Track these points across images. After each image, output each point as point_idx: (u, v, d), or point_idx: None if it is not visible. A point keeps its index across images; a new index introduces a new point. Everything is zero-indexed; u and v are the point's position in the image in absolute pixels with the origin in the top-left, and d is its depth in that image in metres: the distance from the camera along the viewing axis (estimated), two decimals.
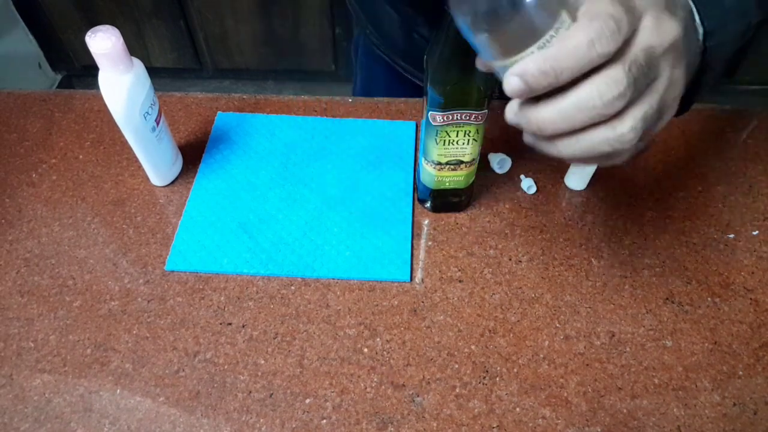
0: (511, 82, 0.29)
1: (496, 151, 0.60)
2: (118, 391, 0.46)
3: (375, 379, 0.46)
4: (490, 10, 0.29)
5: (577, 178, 0.57)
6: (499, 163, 0.59)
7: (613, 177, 0.59)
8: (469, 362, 0.47)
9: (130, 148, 0.55)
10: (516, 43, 0.30)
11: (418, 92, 0.58)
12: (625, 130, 0.30)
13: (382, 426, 0.44)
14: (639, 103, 0.30)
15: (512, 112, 0.32)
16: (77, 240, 0.55)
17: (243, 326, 0.49)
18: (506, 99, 0.36)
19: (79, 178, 0.60)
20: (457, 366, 0.47)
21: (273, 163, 0.61)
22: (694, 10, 0.37)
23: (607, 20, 0.28)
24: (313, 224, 0.56)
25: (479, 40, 0.31)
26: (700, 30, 0.37)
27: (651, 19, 0.31)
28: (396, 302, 0.51)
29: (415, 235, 0.55)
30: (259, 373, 0.47)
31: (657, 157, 0.61)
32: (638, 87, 0.30)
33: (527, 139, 0.34)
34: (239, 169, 0.60)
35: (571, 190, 0.58)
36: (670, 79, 0.32)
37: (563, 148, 0.32)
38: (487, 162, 0.60)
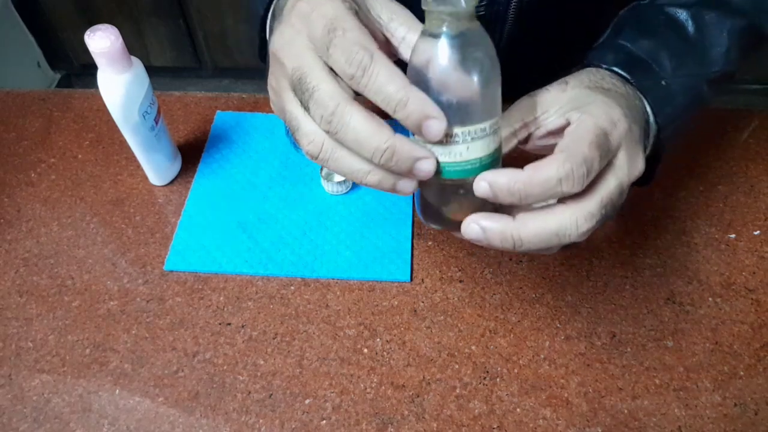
0: (480, 186, 0.31)
1: None
2: (117, 391, 0.46)
3: (375, 380, 0.46)
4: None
5: None
6: None
7: None
8: (469, 363, 0.47)
9: (129, 148, 0.54)
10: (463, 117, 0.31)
11: None
12: (583, 231, 0.32)
13: (382, 427, 0.44)
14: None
15: (483, 228, 0.33)
16: (76, 240, 0.55)
17: (242, 326, 0.49)
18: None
19: (77, 177, 0.60)
20: (457, 366, 0.47)
21: (272, 163, 0.60)
22: (649, 110, 0.41)
23: (579, 165, 0.31)
24: (313, 224, 0.55)
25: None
26: (654, 127, 0.41)
27: (625, 156, 0.34)
28: (396, 302, 0.50)
29: (415, 235, 0.55)
30: (259, 374, 0.46)
31: None
32: (606, 218, 0.33)
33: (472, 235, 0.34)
34: (238, 169, 0.60)
35: None
36: (624, 198, 0.36)
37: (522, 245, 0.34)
38: None
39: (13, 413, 0.45)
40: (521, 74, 0.59)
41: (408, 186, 0.31)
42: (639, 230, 0.55)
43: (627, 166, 0.34)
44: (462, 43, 0.29)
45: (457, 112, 0.30)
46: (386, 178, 0.31)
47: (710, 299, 0.51)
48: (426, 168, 0.30)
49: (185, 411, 0.45)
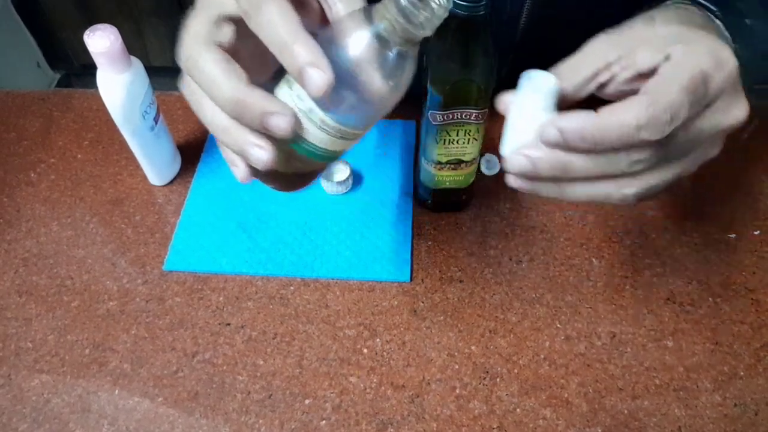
0: (551, 134, 0.28)
1: (493, 152, 0.60)
2: (117, 391, 0.46)
3: (375, 380, 0.46)
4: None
5: None
6: (487, 163, 0.59)
7: None
8: (469, 363, 0.47)
9: (128, 148, 0.54)
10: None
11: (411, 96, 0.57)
12: (630, 193, 0.30)
13: (382, 427, 0.44)
14: (655, 172, 0.30)
15: (535, 153, 0.30)
16: (76, 240, 0.55)
17: (242, 326, 0.49)
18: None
19: (77, 177, 0.60)
20: (457, 366, 0.47)
21: None
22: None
23: (664, 112, 0.27)
24: (313, 224, 0.55)
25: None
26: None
27: (725, 101, 0.30)
28: (396, 302, 0.50)
29: (415, 235, 0.55)
30: (258, 374, 0.46)
31: None
32: (662, 160, 0.30)
33: (518, 183, 0.32)
34: None
35: None
36: (705, 156, 0.32)
37: (570, 192, 0.31)
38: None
39: (12, 413, 0.45)
40: (540, 56, 0.58)
41: (260, 154, 0.28)
42: (639, 230, 0.55)
43: (723, 110, 0.31)
44: (392, 59, 0.28)
45: (346, 111, 0.29)
46: (239, 138, 0.28)
47: (710, 299, 0.51)
48: (278, 123, 0.27)
49: (185, 411, 0.45)
